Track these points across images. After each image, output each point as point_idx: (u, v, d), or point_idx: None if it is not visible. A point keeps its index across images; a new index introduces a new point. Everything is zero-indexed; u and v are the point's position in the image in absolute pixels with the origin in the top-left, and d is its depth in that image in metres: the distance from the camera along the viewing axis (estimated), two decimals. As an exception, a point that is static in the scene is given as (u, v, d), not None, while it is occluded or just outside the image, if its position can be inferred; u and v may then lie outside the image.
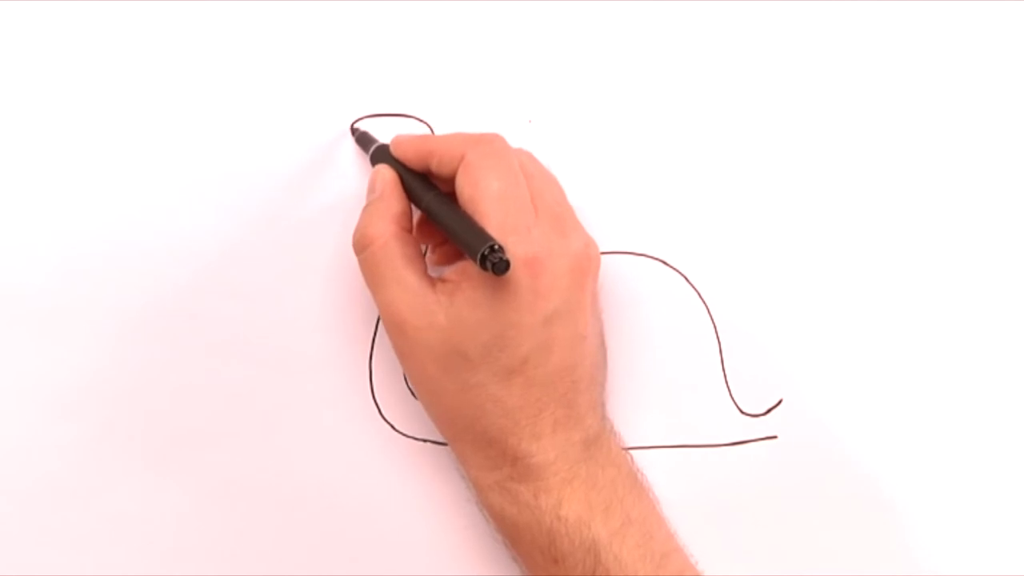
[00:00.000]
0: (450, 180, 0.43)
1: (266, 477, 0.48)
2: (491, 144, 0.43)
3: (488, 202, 0.41)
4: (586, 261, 0.42)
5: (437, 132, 0.48)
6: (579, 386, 0.42)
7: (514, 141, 0.48)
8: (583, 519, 0.41)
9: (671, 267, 0.48)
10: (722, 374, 0.49)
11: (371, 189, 0.45)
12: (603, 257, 0.48)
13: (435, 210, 0.43)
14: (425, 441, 0.48)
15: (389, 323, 0.43)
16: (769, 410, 0.49)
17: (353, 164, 0.48)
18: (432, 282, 0.42)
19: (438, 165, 0.43)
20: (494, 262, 0.38)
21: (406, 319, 0.42)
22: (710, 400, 0.49)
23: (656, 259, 0.48)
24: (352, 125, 0.47)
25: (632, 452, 0.48)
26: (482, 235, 0.39)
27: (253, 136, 0.48)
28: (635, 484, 0.44)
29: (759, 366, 0.49)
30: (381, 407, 0.48)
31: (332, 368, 0.48)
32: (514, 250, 0.39)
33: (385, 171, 0.44)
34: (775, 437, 0.49)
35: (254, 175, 0.48)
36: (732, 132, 0.49)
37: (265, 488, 0.48)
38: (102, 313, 0.48)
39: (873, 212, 0.49)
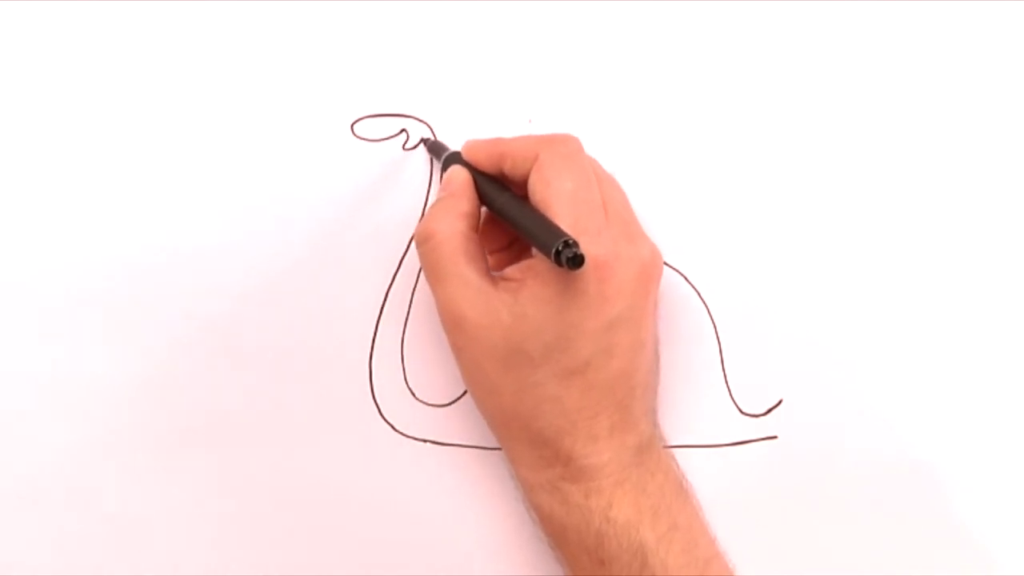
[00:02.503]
0: (523, 182, 0.43)
1: (266, 477, 0.48)
2: (565, 145, 0.43)
3: (561, 202, 0.41)
4: (652, 268, 0.42)
5: (437, 132, 0.48)
6: (635, 392, 0.43)
7: (514, 141, 0.48)
8: (632, 522, 0.41)
9: (671, 267, 0.48)
10: (722, 374, 0.49)
11: (444, 187, 0.45)
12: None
13: (509, 208, 0.43)
14: (425, 441, 0.48)
15: (448, 318, 0.42)
16: (769, 410, 0.49)
17: (352, 164, 0.48)
18: (494, 280, 0.42)
19: (512, 167, 0.43)
20: (569, 256, 0.37)
21: (466, 315, 0.41)
22: (710, 400, 0.49)
23: (656, 259, 0.48)
24: (423, 138, 0.48)
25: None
26: (557, 231, 0.39)
27: (252, 136, 0.48)
28: (681, 490, 0.44)
29: (759, 366, 0.49)
30: (381, 407, 0.48)
31: (332, 368, 0.48)
32: (584, 251, 0.38)
33: (459, 171, 0.45)
34: (775, 437, 0.49)
35: (254, 175, 0.48)
36: (732, 133, 0.49)
37: (265, 488, 0.48)
38: (102, 314, 0.48)
39: (873, 212, 0.49)
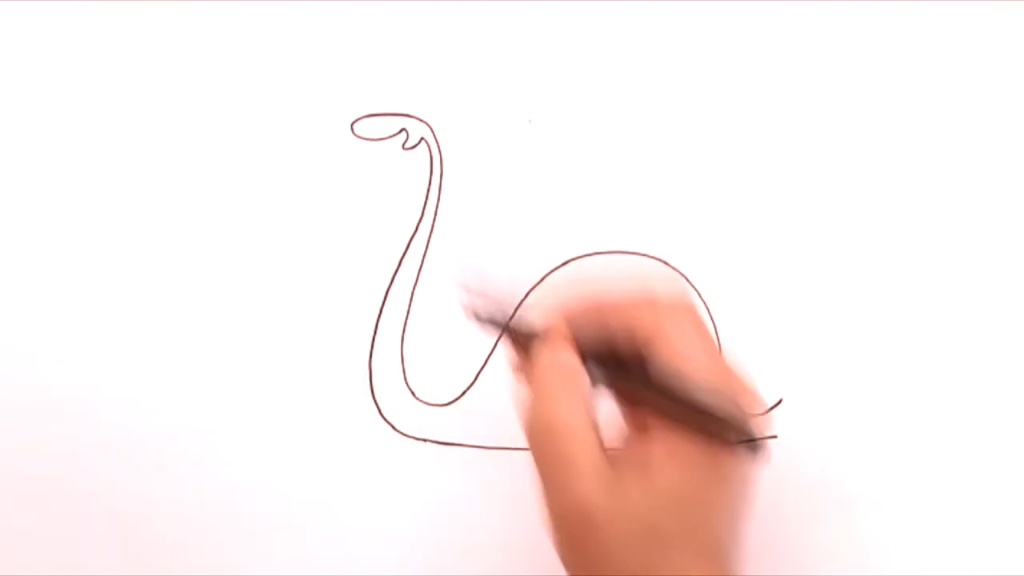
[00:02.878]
0: (631, 353, 0.40)
1: (266, 476, 0.48)
2: (687, 310, 0.41)
3: (699, 376, 0.39)
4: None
5: (438, 132, 0.48)
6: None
7: (514, 141, 0.48)
8: None
9: (671, 267, 0.48)
10: (722, 374, 0.49)
11: (552, 372, 0.40)
12: (603, 257, 0.49)
13: (653, 394, 0.39)
14: (425, 441, 0.48)
15: (575, 512, 0.39)
16: (769, 410, 0.49)
17: (352, 164, 0.48)
18: (615, 463, 0.39)
19: (625, 340, 0.40)
20: (756, 443, 0.37)
21: (599, 506, 0.38)
22: (710, 400, 0.49)
23: (656, 259, 0.48)
24: (471, 309, 0.43)
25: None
26: (734, 413, 0.38)
27: (252, 136, 0.48)
28: None
29: (759, 366, 0.49)
30: (381, 407, 0.48)
31: (332, 368, 0.48)
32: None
33: (567, 351, 0.40)
34: (775, 437, 0.49)
35: (253, 174, 0.48)
36: (732, 132, 0.49)
37: (265, 487, 0.48)
38: (102, 314, 0.48)
39: (873, 212, 0.49)
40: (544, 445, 0.39)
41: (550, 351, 0.41)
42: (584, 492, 0.38)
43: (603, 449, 0.39)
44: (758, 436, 0.36)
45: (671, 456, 0.39)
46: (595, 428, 0.39)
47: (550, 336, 0.41)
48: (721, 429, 0.37)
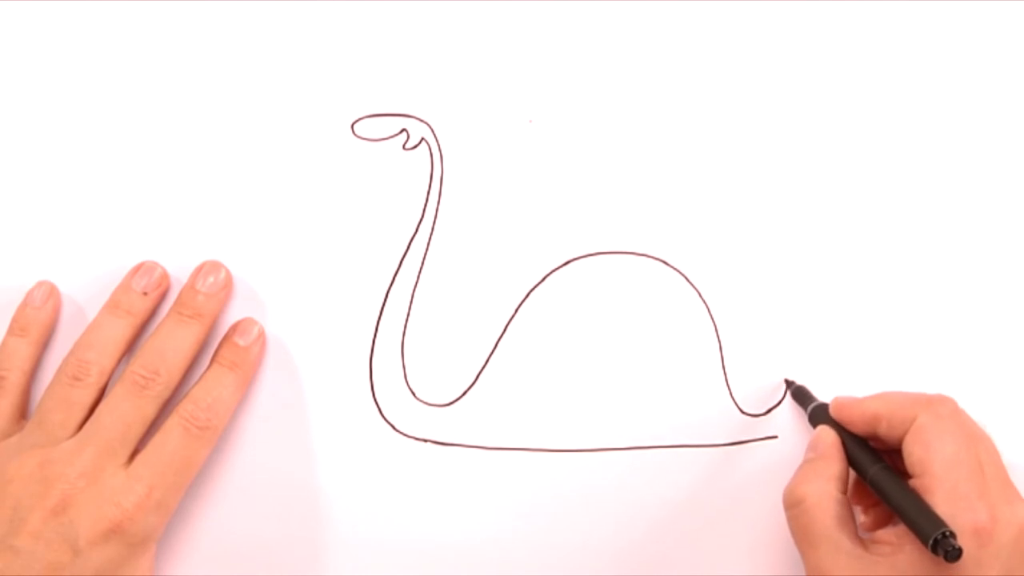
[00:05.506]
0: (896, 443, 0.44)
1: (265, 476, 0.48)
2: (944, 406, 0.44)
3: (940, 466, 0.42)
4: None
5: (438, 132, 0.48)
6: None
7: (514, 141, 0.48)
8: None
9: (671, 267, 0.49)
10: (722, 374, 0.49)
11: (812, 448, 0.46)
12: (603, 257, 0.49)
13: (882, 483, 0.43)
14: (425, 441, 0.48)
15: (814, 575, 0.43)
16: (769, 410, 0.49)
17: (352, 164, 0.48)
18: (865, 544, 0.42)
19: (887, 429, 0.44)
20: (947, 549, 0.39)
21: (833, 573, 0.42)
22: (710, 400, 0.49)
23: (656, 259, 0.48)
24: (786, 379, 0.48)
25: (632, 452, 0.48)
26: (934, 519, 0.40)
27: (253, 136, 0.48)
28: None
29: (759, 366, 0.49)
30: (381, 407, 0.48)
31: (332, 368, 0.48)
32: (963, 518, 0.40)
33: (828, 433, 0.45)
34: (775, 437, 0.49)
35: (254, 175, 0.48)
36: (732, 132, 0.49)
37: (264, 487, 0.48)
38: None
39: (873, 212, 0.49)
40: (789, 513, 0.44)
41: (817, 432, 0.46)
42: (822, 563, 0.42)
43: (850, 527, 0.43)
44: (951, 545, 0.39)
45: (914, 544, 0.41)
46: (841, 505, 0.43)
47: (823, 411, 0.46)
48: (921, 529, 0.40)
